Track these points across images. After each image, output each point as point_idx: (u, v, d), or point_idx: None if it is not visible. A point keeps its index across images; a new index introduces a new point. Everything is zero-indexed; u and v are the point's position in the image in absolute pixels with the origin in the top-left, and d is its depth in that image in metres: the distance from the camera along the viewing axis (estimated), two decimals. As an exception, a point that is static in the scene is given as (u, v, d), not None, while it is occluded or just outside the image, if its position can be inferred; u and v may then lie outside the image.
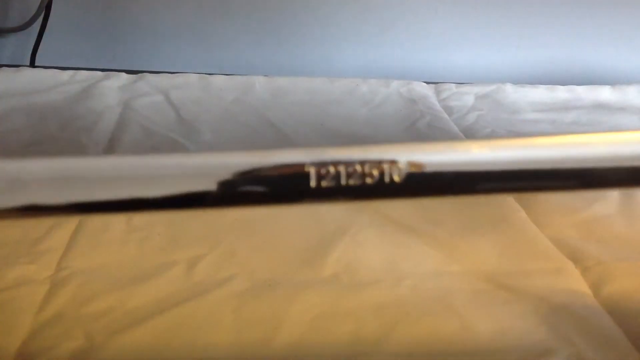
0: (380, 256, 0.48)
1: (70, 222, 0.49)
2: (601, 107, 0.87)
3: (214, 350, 0.39)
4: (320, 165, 0.23)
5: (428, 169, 0.23)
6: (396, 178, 0.23)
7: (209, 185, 0.23)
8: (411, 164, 0.23)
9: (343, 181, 0.23)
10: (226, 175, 0.23)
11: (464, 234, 0.51)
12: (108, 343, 0.38)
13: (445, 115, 0.81)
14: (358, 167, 0.23)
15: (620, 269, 0.47)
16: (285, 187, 0.23)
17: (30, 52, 0.96)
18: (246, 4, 1.00)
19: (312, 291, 0.44)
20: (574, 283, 0.46)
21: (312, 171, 0.23)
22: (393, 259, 0.48)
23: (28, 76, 0.83)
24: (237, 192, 0.23)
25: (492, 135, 0.76)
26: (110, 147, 0.66)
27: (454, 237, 0.51)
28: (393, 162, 0.23)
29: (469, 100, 0.86)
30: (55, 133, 0.69)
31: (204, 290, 0.43)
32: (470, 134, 0.76)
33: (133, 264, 0.46)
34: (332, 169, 0.23)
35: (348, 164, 0.23)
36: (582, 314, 0.43)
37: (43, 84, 0.81)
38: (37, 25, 0.95)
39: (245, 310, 0.42)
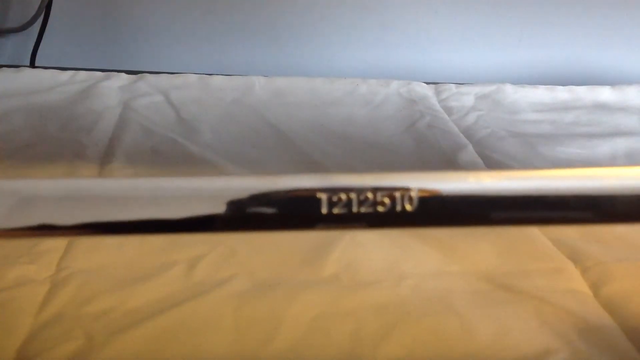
0: (381, 256, 0.48)
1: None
2: (601, 107, 0.87)
3: (214, 350, 0.39)
4: (332, 192, 0.23)
5: (440, 199, 0.23)
6: (408, 207, 0.23)
7: (220, 209, 0.23)
8: (424, 193, 0.23)
9: (355, 208, 0.23)
10: (237, 200, 0.23)
11: (464, 234, 0.51)
12: (108, 343, 0.38)
13: (445, 116, 0.81)
14: (370, 195, 0.23)
15: (620, 269, 0.47)
16: (296, 213, 0.23)
17: (30, 52, 0.96)
18: (246, 4, 1.00)
19: (312, 291, 0.44)
20: (574, 283, 0.47)
21: (324, 198, 0.23)
22: (393, 259, 0.48)
23: (28, 76, 0.83)
24: (247, 217, 0.23)
25: (491, 135, 0.76)
26: (110, 148, 0.66)
27: (454, 237, 0.51)
28: (405, 191, 0.23)
29: (469, 100, 0.86)
30: (55, 133, 0.69)
31: (204, 291, 0.43)
32: (470, 134, 0.76)
33: (133, 264, 0.46)
34: (343, 196, 0.23)
35: (360, 191, 0.23)
36: (582, 314, 0.43)
37: (43, 84, 0.81)
38: (37, 25, 0.95)
39: (246, 311, 0.42)
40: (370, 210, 0.23)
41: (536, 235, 0.52)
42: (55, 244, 0.47)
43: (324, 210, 0.23)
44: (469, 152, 0.70)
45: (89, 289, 0.43)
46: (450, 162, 0.68)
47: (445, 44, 1.04)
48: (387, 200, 0.23)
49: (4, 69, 0.85)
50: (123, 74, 0.86)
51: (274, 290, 0.44)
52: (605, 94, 0.90)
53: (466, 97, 0.87)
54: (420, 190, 0.23)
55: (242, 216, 0.23)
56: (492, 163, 0.68)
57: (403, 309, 0.42)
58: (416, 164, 0.69)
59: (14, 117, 0.72)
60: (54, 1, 0.95)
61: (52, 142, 0.67)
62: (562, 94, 0.90)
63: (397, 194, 0.23)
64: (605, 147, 0.74)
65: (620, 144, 0.75)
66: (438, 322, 0.41)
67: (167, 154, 0.66)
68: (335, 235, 0.50)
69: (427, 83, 0.91)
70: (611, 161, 0.71)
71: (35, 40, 0.96)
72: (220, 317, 0.41)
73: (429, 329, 0.41)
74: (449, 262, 0.48)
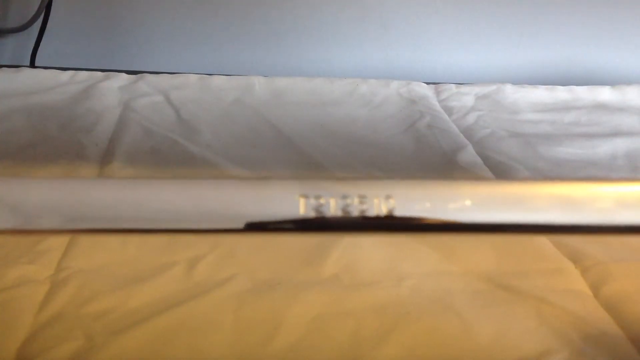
0: (380, 256, 0.48)
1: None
2: (601, 107, 0.87)
3: (214, 350, 0.39)
4: (310, 196, 0.23)
5: (416, 206, 0.23)
6: (385, 212, 0.23)
7: (197, 210, 0.23)
8: (400, 199, 0.23)
9: (332, 213, 0.23)
10: (216, 201, 0.23)
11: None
12: (108, 343, 0.38)
13: (445, 116, 0.81)
14: (348, 200, 0.23)
15: (620, 269, 0.47)
16: (273, 216, 0.23)
17: (30, 52, 0.96)
18: (246, 4, 1.00)
19: (313, 291, 0.44)
20: (574, 283, 0.47)
21: (302, 201, 0.23)
22: (393, 259, 0.48)
23: (28, 76, 0.83)
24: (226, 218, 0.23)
25: (491, 135, 0.76)
26: (110, 148, 0.66)
27: (454, 237, 0.51)
28: (383, 197, 0.23)
29: (469, 100, 0.86)
30: (55, 133, 0.69)
31: (204, 291, 0.43)
32: (470, 134, 0.76)
33: (133, 264, 0.46)
34: (322, 200, 0.23)
35: (338, 196, 0.23)
36: (582, 314, 0.43)
37: (43, 84, 0.81)
38: (37, 25, 0.95)
39: (246, 311, 0.42)
40: (347, 214, 0.23)
41: (536, 236, 0.52)
42: (55, 244, 0.47)
43: (302, 212, 0.23)
44: (469, 152, 0.70)
45: (89, 289, 0.43)
46: (450, 162, 0.68)
47: (445, 44, 1.04)
48: (364, 206, 0.23)
49: (4, 69, 0.85)
50: (123, 74, 0.86)
51: (274, 290, 0.44)
52: (605, 94, 0.90)
53: (466, 97, 0.87)
54: (398, 197, 0.23)
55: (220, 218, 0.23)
56: (492, 163, 0.68)
57: (403, 309, 0.42)
58: (416, 164, 0.69)
59: (14, 118, 0.72)
60: (54, 1, 0.95)
61: (52, 142, 0.67)
62: (562, 94, 0.90)
63: (375, 200, 0.23)
64: (605, 147, 0.74)
65: (620, 144, 0.75)
66: (438, 322, 0.41)
67: (167, 154, 0.66)
68: (335, 236, 0.50)
69: (427, 83, 0.91)
70: (611, 161, 0.71)
71: (35, 40, 0.96)
72: (220, 317, 0.41)
73: (429, 329, 0.41)
74: (449, 263, 0.48)
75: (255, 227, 0.23)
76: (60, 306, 0.41)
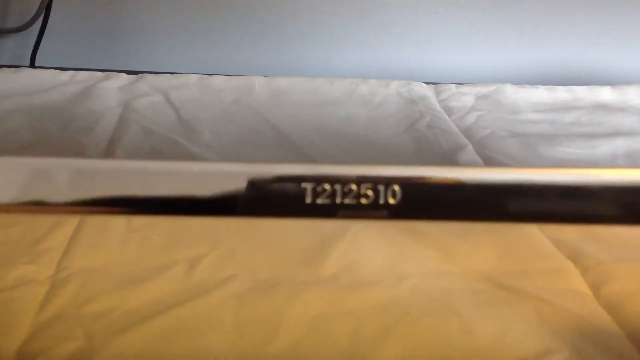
0: (380, 256, 0.48)
1: (71, 222, 0.49)
2: (601, 107, 0.87)
3: (214, 350, 0.39)
4: (317, 182, 0.23)
5: (423, 193, 0.23)
6: (391, 200, 0.23)
7: (208, 194, 0.23)
8: (407, 186, 0.23)
9: (338, 199, 0.23)
10: (224, 185, 0.23)
11: (464, 234, 0.51)
12: (108, 343, 0.38)
13: (445, 116, 0.81)
14: (354, 187, 0.23)
15: (620, 269, 0.47)
16: (280, 201, 0.23)
17: (30, 52, 0.96)
18: (246, 4, 1.00)
19: (313, 291, 0.44)
20: (574, 283, 0.47)
21: (309, 187, 0.23)
22: (393, 259, 0.48)
23: (28, 76, 0.83)
24: (232, 203, 0.23)
25: (491, 135, 0.76)
26: (110, 148, 0.66)
27: (454, 237, 0.51)
28: (389, 184, 0.23)
29: (469, 100, 0.86)
30: (55, 133, 0.69)
31: (204, 291, 0.43)
32: (470, 134, 0.76)
33: (133, 264, 0.46)
34: (328, 187, 0.23)
35: (344, 182, 0.23)
36: (582, 314, 0.43)
37: (43, 85, 0.81)
38: (37, 26, 0.95)
39: (246, 311, 0.42)
40: (354, 202, 0.23)
41: (536, 235, 0.52)
42: (56, 244, 0.47)
43: (308, 199, 0.23)
44: (469, 152, 0.70)
45: (89, 289, 0.43)
46: (450, 163, 0.68)
47: (445, 44, 1.04)
48: (370, 193, 0.23)
49: (4, 69, 0.85)
50: (123, 74, 0.86)
51: (274, 290, 0.44)
52: (605, 94, 0.90)
53: (466, 97, 0.87)
54: (403, 183, 0.23)
55: (226, 202, 0.23)
56: (492, 163, 0.68)
57: (403, 309, 0.42)
58: (416, 163, 0.69)
59: (14, 118, 0.72)
60: (54, 1, 0.95)
61: (52, 142, 0.67)
62: (562, 94, 0.90)
63: (381, 187, 0.23)
64: (605, 147, 0.74)
65: (620, 144, 0.75)
66: (438, 322, 0.42)
67: (167, 154, 0.66)
68: (335, 235, 0.50)
69: (427, 83, 0.91)
70: (611, 161, 0.71)
71: (35, 40, 0.96)
72: (220, 317, 0.41)
73: (429, 329, 0.41)
74: (449, 262, 0.48)
75: (259, 212, 0.23)
76: (60, 306, 0.41)
